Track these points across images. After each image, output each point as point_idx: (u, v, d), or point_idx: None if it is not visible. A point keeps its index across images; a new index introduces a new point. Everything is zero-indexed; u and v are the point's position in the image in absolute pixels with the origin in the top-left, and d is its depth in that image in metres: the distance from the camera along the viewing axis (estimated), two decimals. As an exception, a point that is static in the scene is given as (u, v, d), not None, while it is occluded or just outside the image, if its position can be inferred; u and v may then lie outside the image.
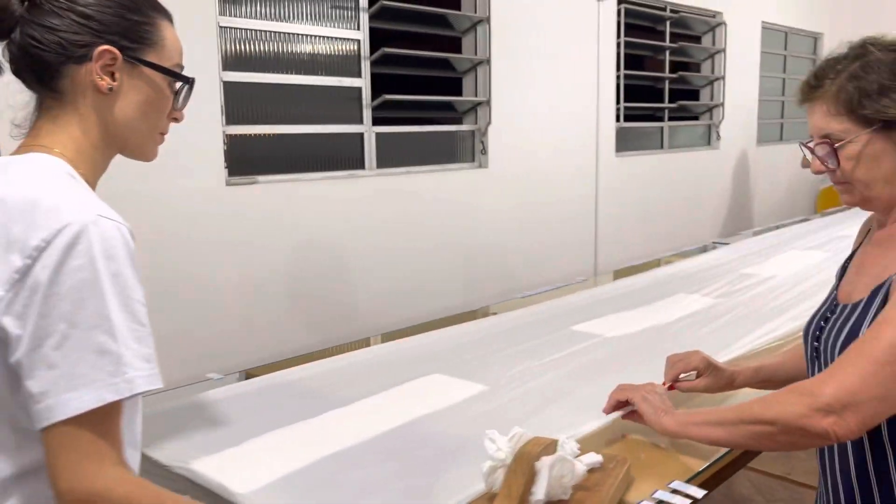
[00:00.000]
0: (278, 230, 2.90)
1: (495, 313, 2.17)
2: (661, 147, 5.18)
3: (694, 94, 5.65)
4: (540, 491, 0.97)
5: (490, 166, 3.81)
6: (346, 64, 3.18)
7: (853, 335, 1.06)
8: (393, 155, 3.44)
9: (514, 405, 1.44)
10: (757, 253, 2.98)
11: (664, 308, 2.13)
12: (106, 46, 0.93)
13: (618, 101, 4.64)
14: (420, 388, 1.53)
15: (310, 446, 1.26)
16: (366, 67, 3.24)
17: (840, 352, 1.07)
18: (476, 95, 3.79)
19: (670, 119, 5.25)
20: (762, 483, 2.78)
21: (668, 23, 5.05)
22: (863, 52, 1.07)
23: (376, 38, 3.26)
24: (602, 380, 1.55)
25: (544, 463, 0.99)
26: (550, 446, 1.04)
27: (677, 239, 5.30)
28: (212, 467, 1.19)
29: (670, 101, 5.15)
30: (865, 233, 1.22)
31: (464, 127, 3.78)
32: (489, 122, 3.76)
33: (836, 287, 1.20)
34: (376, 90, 3.29)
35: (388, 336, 1.90)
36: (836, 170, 1.08)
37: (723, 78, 5.53)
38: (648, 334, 1.89)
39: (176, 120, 1.05)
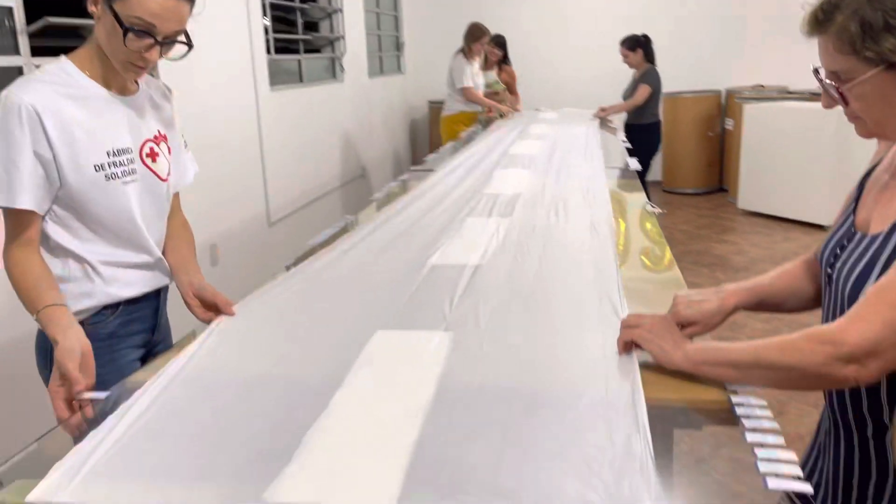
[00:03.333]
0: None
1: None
2: (301, 81, 5.11)
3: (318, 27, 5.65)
4: None
5: (166, 105, 3.32)
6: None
7: (868, 270, 1.05)
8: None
9: (507, 334, 1.37)
10: (463, 176, 3.21)
11: (479, 231, 2.19)
12: None
13: (266, 32, 4.40)
14: (388, 352, 1.33)
15: (376, 438, 1.03)
16: (17, -20, 2.52)
17: (853, 285, 1.07)
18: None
19: (305, 52, 5.18)
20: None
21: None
22: None
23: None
24: (535, 302, 1.58)
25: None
26: None
27: (331, 171, 5.36)
28: (305, 494, 0.90)
29: (303, 33, 5.08)
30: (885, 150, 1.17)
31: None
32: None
33: (854, 211, 1.17)
34: (32, 12, 2.59)
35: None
36: (846, 106, 1.06)
37: (341, 10, 5.63)
38: (508, 253, 1.93)
39: (150, 60, 1.41)
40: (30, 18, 2.57)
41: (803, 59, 5.68)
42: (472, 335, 1.40)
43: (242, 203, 4.08)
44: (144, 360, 1.61)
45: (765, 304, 1.31)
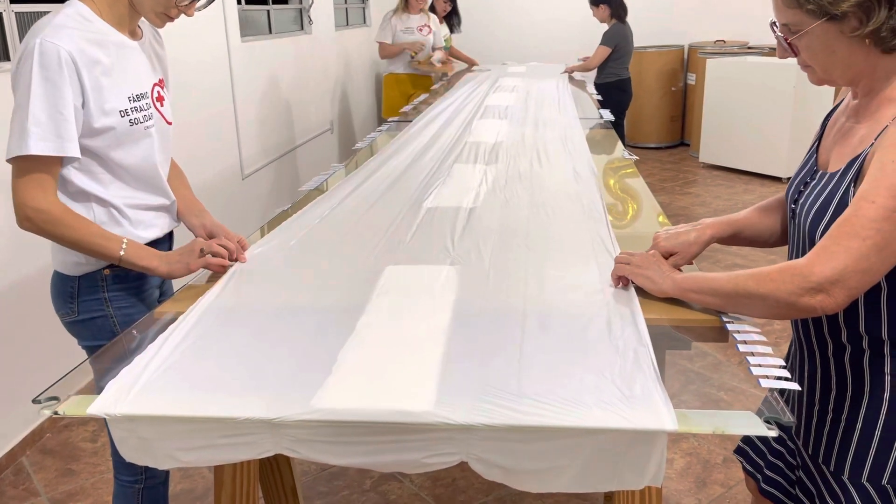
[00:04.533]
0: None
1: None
2: (270, 32, 5.06)
3: (285, -23, 5.57)
4: None
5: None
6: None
7: (825, 206, 1.15)
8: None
9: (510, 267, 1.47)
10: (443, 126, 3.27)
11: (470, 177, 2.28)
12: None
13: (236, -19, 4.35)
14: (401, 284, 1.42)
15: (406, 353, 1.13)
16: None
17: (812, 220, 1.17)
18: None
19: (273, 3, 5.12)
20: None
21: None
22: None
23: None
24: (531, 240, 1.68)
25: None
26: None
27: (300, 125, 5.35)
28: (349, 400, 0.99)
29: (271, -17, 5.02)
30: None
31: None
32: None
33: (816, 150, 1.27)
34: (11, -45, 2.55)
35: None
36: (797, 56, 1.15)
37: (307, -41, 5.56)
38: (499, 197, 2.03)
39: (187, 14, 1.49)
40: (7, -37, 2.53)
41: (762, 16, 5.88)
42: (478, 269, 1.50)
43: (216, 156, 4.08)
44: (159, 300, 1.67)
45: (740, 237, 1.43)
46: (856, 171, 1.11)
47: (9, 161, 1.37)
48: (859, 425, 1.17)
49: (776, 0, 1.13)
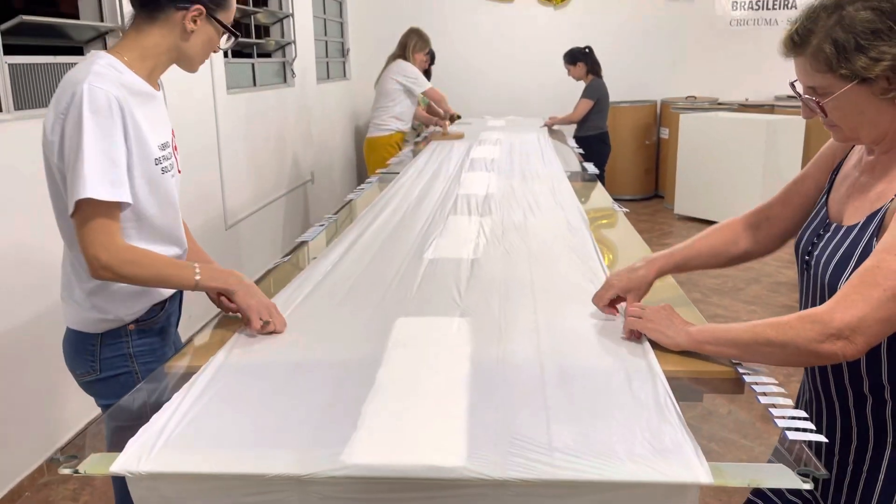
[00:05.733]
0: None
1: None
2: (255, 85, 5.11)
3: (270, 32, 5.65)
4: None
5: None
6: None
7: (847, 258, 1.17)
8: (35, 93, 2.74)
9: (520, 318, 1.48)
10: (431, 179, 3.31)
11: (466, 228, 2.29)
12: (199, 5, 1.45)
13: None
14: (414, 336, 1.42)
15: (430, 406, 1.12)
16: (-6, -22, 2.49)
17: (833, 272, 1.19)
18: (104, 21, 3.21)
19: (257, 56, 5.18)
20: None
21: (246, -46, 4.91)
22: (839, 5, 1.10)
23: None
24: (536, 291, 1.69)
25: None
26: None
27: (282, 176, 5.36)
28: (380, 455, 0.98)
29: (257, 38, 5.09)
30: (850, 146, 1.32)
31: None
32: (127, 54, 3.23)
33: (826, 203, 1.30)
34: (5, 9, 2.56)
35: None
36: (825, 117, 1.17)
37: (292, 15, 5.65)
38: (498, 248, 2.04)
39: (215, 51, 1.56)
40: (3, 17, 2.53)
41: (730, 74, 6.11)
42: (488, 320, 1.50)
43: (201, 207, 4.07)
44: None
45: (685, 266, 1.54)
46: (877, 224, 1.13)
47: (72, 214, 1.35)
48: (881, 476, 1.18)
49: (803, 65, 1.15)
